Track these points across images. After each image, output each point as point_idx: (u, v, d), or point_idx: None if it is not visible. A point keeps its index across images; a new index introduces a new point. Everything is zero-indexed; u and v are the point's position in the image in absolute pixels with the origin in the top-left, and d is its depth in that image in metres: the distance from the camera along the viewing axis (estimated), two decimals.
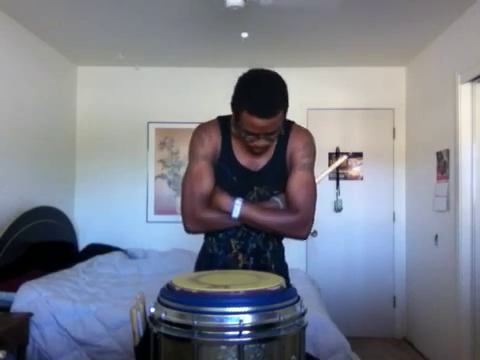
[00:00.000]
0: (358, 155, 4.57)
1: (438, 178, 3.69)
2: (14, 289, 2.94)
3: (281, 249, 1.74)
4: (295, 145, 1.61)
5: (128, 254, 4.31)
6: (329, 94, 4.56)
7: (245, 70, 1.55)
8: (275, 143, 1.62)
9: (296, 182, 1.58)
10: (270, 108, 1.44)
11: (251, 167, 1.63)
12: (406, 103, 4.54)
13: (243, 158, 1.63)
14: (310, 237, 4.50)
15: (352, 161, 4.58)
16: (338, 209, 4.49)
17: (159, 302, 1.19)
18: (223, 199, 1.54)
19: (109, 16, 3.41)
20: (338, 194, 4.50)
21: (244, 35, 3.68)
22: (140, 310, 1.43)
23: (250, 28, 3.58)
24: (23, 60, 3.67)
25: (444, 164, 3.57)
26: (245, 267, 1.62)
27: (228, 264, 1.62)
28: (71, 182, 4.56)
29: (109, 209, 4.56)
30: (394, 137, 4.56)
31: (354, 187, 4.55)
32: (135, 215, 4.57)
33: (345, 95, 4.55)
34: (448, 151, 3.51)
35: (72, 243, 4.31)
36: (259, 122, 1.44)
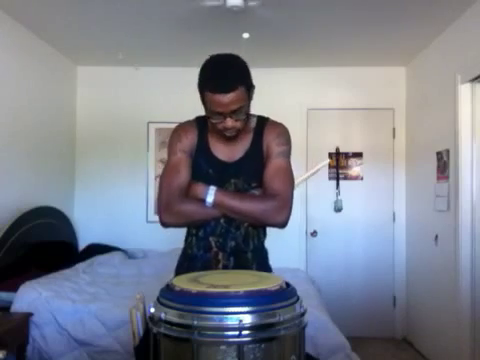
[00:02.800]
0: (358, 155, 4.57)
1: (438, 178, 3.69)
2: (14, 289, 2.93)
3: (264, 251, 1.70)
4: (270, 136, 1.64)
5: (128, 254, 4.31)
6: (329, 94, 4.56)
7: None
8: (251, 136, 1.65)
9: (272, 169, 1.59)
10: (227, 82, 1.48)
11: (227, 159, 1.64)
12: (406, 103, 4.54)
13: (219, 151, 1.65)
14: (310, 237, 4.51)
15: (352, 161, 4.58)
16: (338, 209, 4.48)
17: (159, 302, 1.19)
18: (198, 187, 1.55)
19: (109, 16, 3.42)
20: (338, 194, 4.49)
21: (246, 35, 3.68)
22: (140, 310, 1.43)
23: (250, 28, 3.57)
24: (23, 60, 3.67)
25: (444, 164, 3.57)
26: (225, 267, 1.58)
27: (207, 265, 1.57)
28: (71, 182, 4.56)
29: (109, 209, 4.56)
30: (394, 137, 4.56)
31: (354, 187, 4.55)
32: (135, 215, 4.57)
33: (345, 95, 4.55)
34: (448, 151, 3.51)
35: (72, 243, 4.31)
36: (220, 98, 1.48)
